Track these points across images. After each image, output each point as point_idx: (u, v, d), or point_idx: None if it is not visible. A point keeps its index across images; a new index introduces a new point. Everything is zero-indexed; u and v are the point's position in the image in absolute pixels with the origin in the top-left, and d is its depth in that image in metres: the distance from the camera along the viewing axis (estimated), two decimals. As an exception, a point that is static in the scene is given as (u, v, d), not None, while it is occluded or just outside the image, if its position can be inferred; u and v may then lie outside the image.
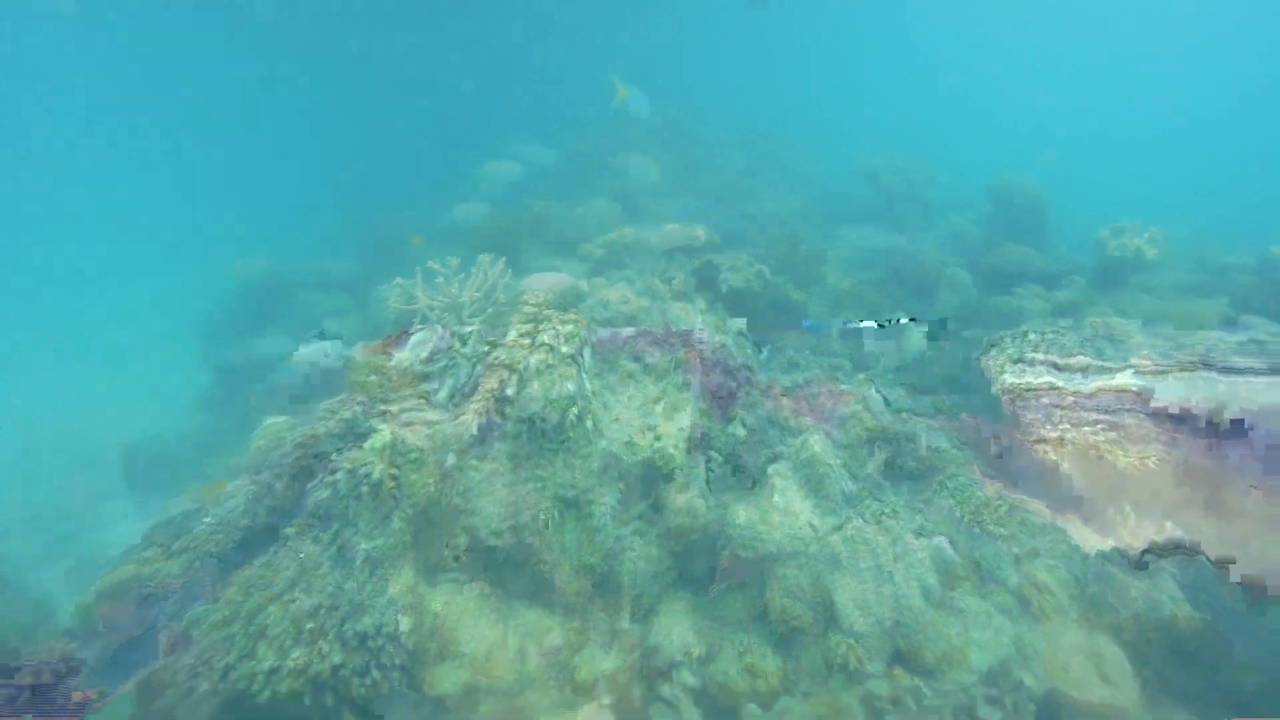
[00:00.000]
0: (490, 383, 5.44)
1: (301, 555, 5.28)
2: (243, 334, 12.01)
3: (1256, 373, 5.55)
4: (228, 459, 9.91)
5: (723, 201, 13.79)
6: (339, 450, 5.55)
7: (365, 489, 5.36)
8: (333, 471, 5.41)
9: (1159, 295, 7.51)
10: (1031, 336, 6.46)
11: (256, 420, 9.77)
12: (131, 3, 25.17)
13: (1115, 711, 4.09)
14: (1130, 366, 6.03)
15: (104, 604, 6.42)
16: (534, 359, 5.35)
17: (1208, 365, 5.77)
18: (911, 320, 7.73)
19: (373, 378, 5.85)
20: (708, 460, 6.01)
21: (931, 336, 8.14)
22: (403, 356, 6.08)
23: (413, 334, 6.13)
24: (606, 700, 4.91)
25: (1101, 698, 4.14)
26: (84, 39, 27.97)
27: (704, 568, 5.83)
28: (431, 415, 5.84)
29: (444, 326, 6.16)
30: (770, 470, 5.99)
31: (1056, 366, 6.28)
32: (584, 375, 5.98)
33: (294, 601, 4.86)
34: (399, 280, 6.60)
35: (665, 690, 4.89)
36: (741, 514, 5.55)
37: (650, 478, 5.93)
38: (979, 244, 10.61)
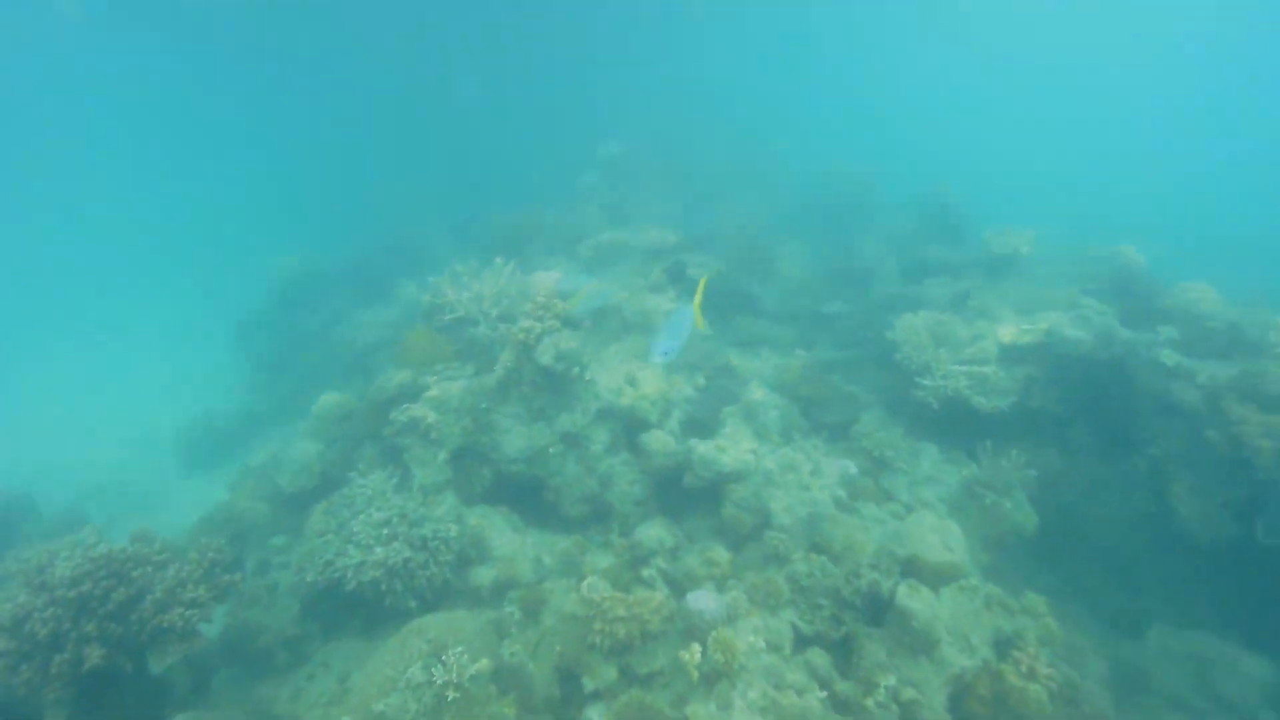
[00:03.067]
0: (512, 345, 7.21)
1: (370, 488, 7.02)
2: (275, 325, 13.63)
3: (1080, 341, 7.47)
4: (276, 431, 11.59)
5: (697, 208, 15.63)
6: (398, 405, 7.31)
7: (421, 431, 7.12)
8: (394, 421, 7.18)
9: (1031, 283, 9.45)
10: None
11: (299, 400, 11.45)
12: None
13: (952, 566, 5.96)
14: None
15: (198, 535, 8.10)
16: (545, 328, 7.12)
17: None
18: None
19: (420, 352, 7.61)
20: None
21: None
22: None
23: (447, 319, 7.88)
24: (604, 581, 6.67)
25: (943, 558, 6.01)
26: (108, 43, 29.03)
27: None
28: (468, 372, 7.63)
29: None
30: (724, 412, 7.84)
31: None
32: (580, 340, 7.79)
33: (372, 515, 6.58)
34: (431, 278, 8.33)
35: (645, 573, 6.68)
36: (700, 447, 7.34)
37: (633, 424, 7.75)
38: (908, 240, 12.55)
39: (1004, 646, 5.68)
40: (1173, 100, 39.64)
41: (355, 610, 6.69)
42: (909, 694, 5.16)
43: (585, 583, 6.12)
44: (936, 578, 5.89)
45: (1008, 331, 8.08)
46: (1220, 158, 32.61)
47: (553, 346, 6.99)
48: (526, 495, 7.63)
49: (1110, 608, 7.34)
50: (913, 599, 5.50)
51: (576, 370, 7.18)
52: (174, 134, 36.77)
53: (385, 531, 6.45)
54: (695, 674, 5.33)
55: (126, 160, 37.35)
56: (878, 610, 5.91)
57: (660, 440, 7.59)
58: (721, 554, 6.83)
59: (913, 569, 6.01)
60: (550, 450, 7.29)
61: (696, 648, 5.48)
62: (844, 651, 5.76)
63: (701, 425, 7.99)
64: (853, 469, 7.31)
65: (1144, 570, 7.37)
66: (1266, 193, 25.81)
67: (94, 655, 4.66)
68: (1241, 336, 7.72)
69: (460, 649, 5.59)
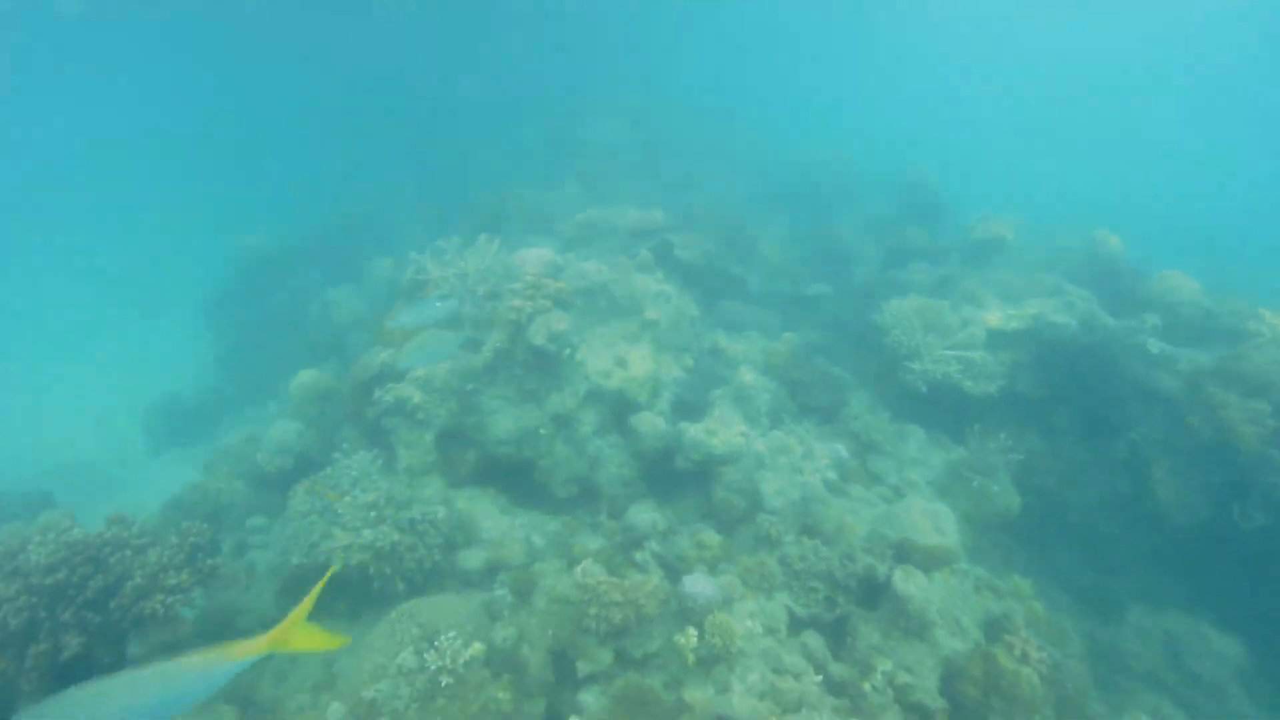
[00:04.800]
0: (503, 324, 7.04)
1: (355, 468, 6.83)
2: (241, 303, 13.19)
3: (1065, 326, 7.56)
4: (246, 411, 11.25)
5: (678, 189, 15.50)
6: (382, 385, 7.09)
7: (407, 411, 6.93)
8: (379, 402, 6.97)
9: (1014, 269, 9.56)
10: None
11: (269, 379, 11.13)
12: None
13: (944, 550, 6.03)
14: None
15: (172, 519, 7.82)
16: (538, 307, 6.95)
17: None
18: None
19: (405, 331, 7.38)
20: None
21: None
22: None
23: (434, 297, 7.65)
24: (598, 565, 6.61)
25: (935, 542, 6.08)
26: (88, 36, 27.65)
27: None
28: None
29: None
30: (713, 395, 7.80)
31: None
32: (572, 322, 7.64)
33: (358, 497, 6.40)
34: (413, 254, 8.07)
35: (638, 556, 6.63)
36: (691, 429, 7.28)
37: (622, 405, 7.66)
38: (888, 225, 12.60)
39: (993, 629, 5.77)
40: (1147, 92, 40.51)
41: (341, 593, 6.53)
42: (904, 678, 5.21)
43: (580, 567, 6.04)
44: (929, 561, 5.95)
45: (994, 317, 8.15)
46: (1192, 149, 33.40)
47: (545, 327, 6.84)
48: (515, 477, 7.51)
49: (1089, 587, 7.54)
50: (908, 583, 5.54)
51: (567, 351, 7.05)
52: (135, 109, 35.22)
53: (373, 514, 6.28)
54: (691, 657, 5.32)
55: (83, 136, 35.79)
56: (872, 593, 5.96)
57: (650, 422, 7.52)
58: (713, 537, 6.81)
59: (906, 552, 6.06)
60: (541, 431, 7.16)
61: (692, 631, 5.47)
62: (838, 634, 5.80)
63: (691, 407, 7.94)
64: (844, 452, 7.34)
65: (1122, 552, 7.57)
66: (1237, 184, 26.60)
67: (72, 644, 4.46)
68: (1218, 324, 7.91)
69: (452, 633, 5.49)
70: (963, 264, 9.89)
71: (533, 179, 14.39)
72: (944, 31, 41.31)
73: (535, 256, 8.60)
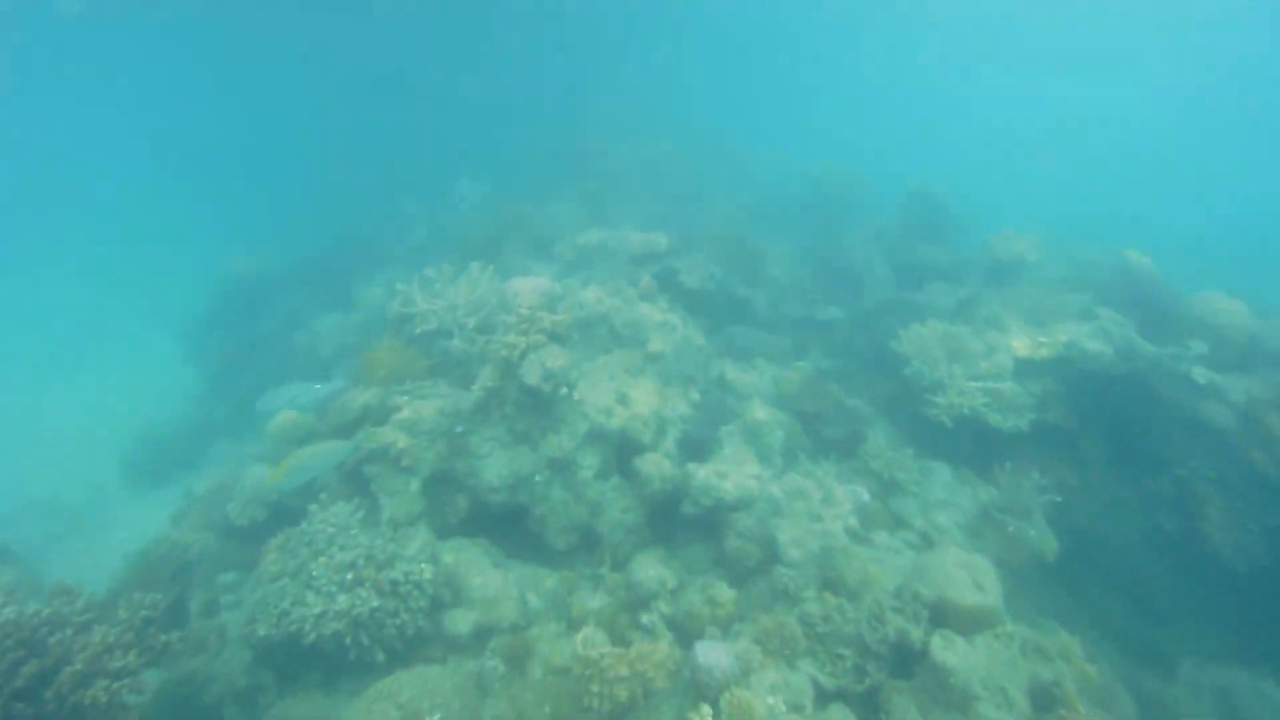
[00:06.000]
0: (494, 362, 6.47)
1: (332, 523, 6.24)
2: (227, 328, 12.63)
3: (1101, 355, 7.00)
4: (229, 446, 10.65)
5: (680, 203, 15.01)
6: (363, 429, 6.51)
7: (390, 458, 6.34)
8: (360, 447, 6.38)
9: (1038, 288, 9.02)
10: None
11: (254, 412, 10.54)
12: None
13: (986, 611, 5.43)
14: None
15: (135, 576, 7.21)
16: (531, 343, 6.38)
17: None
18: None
19: (387, 367, 6.82)
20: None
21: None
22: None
23: (418, 330, 7.10)
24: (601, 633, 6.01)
25: (976, 600, 5.48)
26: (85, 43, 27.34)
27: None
28: (443, 390, 6.86)
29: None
30: (723, 431, 7.23)
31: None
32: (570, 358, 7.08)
33: (334, 557, 5.81)
34: (399, 285, 7.52)
35: (645, 618, 6.03)
36: (699, 472, 6.70)
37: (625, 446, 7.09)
38: (898, 241, 12.07)
39: (1043, 698, 5.16)
40: (1161, 104, 40.22)
41: (314, 662, 5.93)
42: (949, 762, 4.61)
43: (581, 635, 5.45)
44: (969, 623, 5.35)
45: (1022, 344, 7.59)
46: (1215, 160, 32.79)
47: (539, 364, 6.27)
48: (508, 525, 6.92)
49: (1135, 637, 6.92)
50: (948, 651, 4.95)
51: (564, 390, 6.48)
52: (131, 111, 34.75)
53: (349, 576, 5.70)
54: (707, 742, 4.72)
55: (77, 140, 35.39)
56: (905, 659, 5.35)
57: (655, 464, 6.94)
58: (725, 592, 6.22)
59: (943, 613, 5.45)
60: (536, 478, 6.58)
61: (706, 710, 4.87)
62: (869, 707, 5.20)
63: (699, 445, 7.36)
64: (865, 495, 6.75)
65: (1169, 597, 6.96)
66: (1265, 197, 26.08)
67: (-9, 749, 3.85)
68: (1263, 348, 7.35)
69: (437, 717, 4.91)
70: (983, 284, 9.33)
71: (532, 196, 13.91)
72: (944, 41, 41.11)
73: (531, 286, 8.06)
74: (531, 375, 6.23)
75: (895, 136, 30.72)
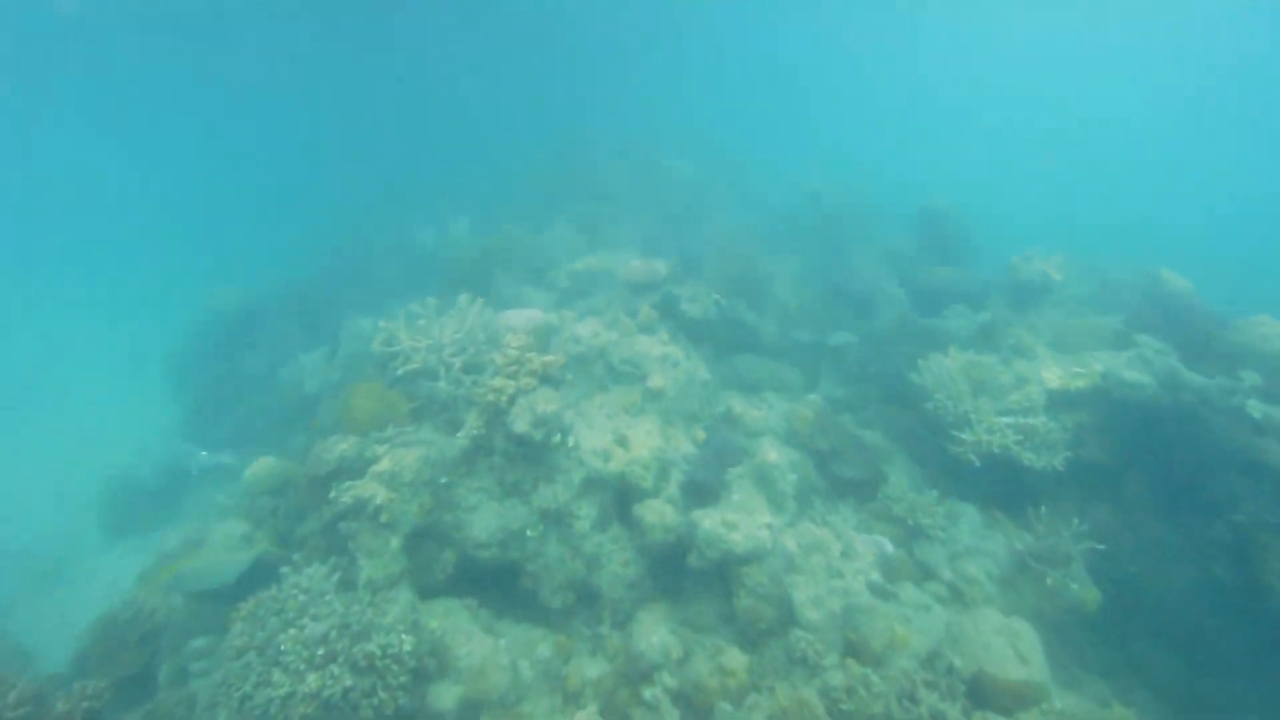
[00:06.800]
0: (481, 408, 5.94)
1: (305, 588, 5.69)
2: (210, 363, 12.14)
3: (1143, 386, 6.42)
4: (211, 490, 10.13)
5: (680, 221, 14.50)
6: (340, 481, 5.97)
7: (368, 514, 5.80)
8: (335, 502, 5.84)
9: (1065, 310, 8.47)
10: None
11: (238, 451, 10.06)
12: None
13: (1032, 687, 4.84)
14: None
15: (99, 642, 6.68)
16: (520, 386, 5.86)
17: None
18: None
19: (367, 413, 6.29)
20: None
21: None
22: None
23: (400, 372, 6.59)
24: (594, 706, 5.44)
25: (1019, 675, 4.88)
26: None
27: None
28: (427, 436, 6.33)
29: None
30: (731, 474, 6.67)
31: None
32: (564, 401, 6.54)
33: (305, 629, 5.26)
34: (381, 323, 7.02)
35: (648, 692, 5.45)
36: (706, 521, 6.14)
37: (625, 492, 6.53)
38: (911, 260, 11.51)
39: (1099, 787, 4.56)
40: (1161, 104, 39.67)
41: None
42: None
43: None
44: (1013, 701, 4.76)
45: (1054, 375, 7.02)
46: (1238, 171, 31.84)
47: (528, 410, 5.74)
48: (499, 582, 6.36)
49: (1189, 696, 6.27)
50: (993, 741, 4.35)
51: (558, 438, 5.93)
52: (129, 112, 34.29)
53: (321, 651, 5.14)
54: None
55: (73, 141, 35.02)
56: (941, 744, 4.76)
57: (657, 512, 6.39)
58: (737, 658, 5.64)
59: (982, 690, 4.86)
60: (529, 534, 6.03)
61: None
62: (903, 801, 4.60)
63: (705, 490, 6.78)
64: (889, 546, 6.17)
65: (1227, 653, 6.31)
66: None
67: None
68: (1316, 377, 6.74)
69: (414, 823, 4.34)
70: (1005, 307, 8.76)
71: (528, 216, 13.45)
72: (943, 42, 40.63)
73: (523, 319, 7.54)
74: (520, 423, 5.69)
75: (896, 143, 30.31)
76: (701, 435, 7.37)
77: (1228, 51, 34.07)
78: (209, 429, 10.67)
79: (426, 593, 6.21)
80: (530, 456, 6.06)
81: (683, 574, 6.48)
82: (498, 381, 5.81)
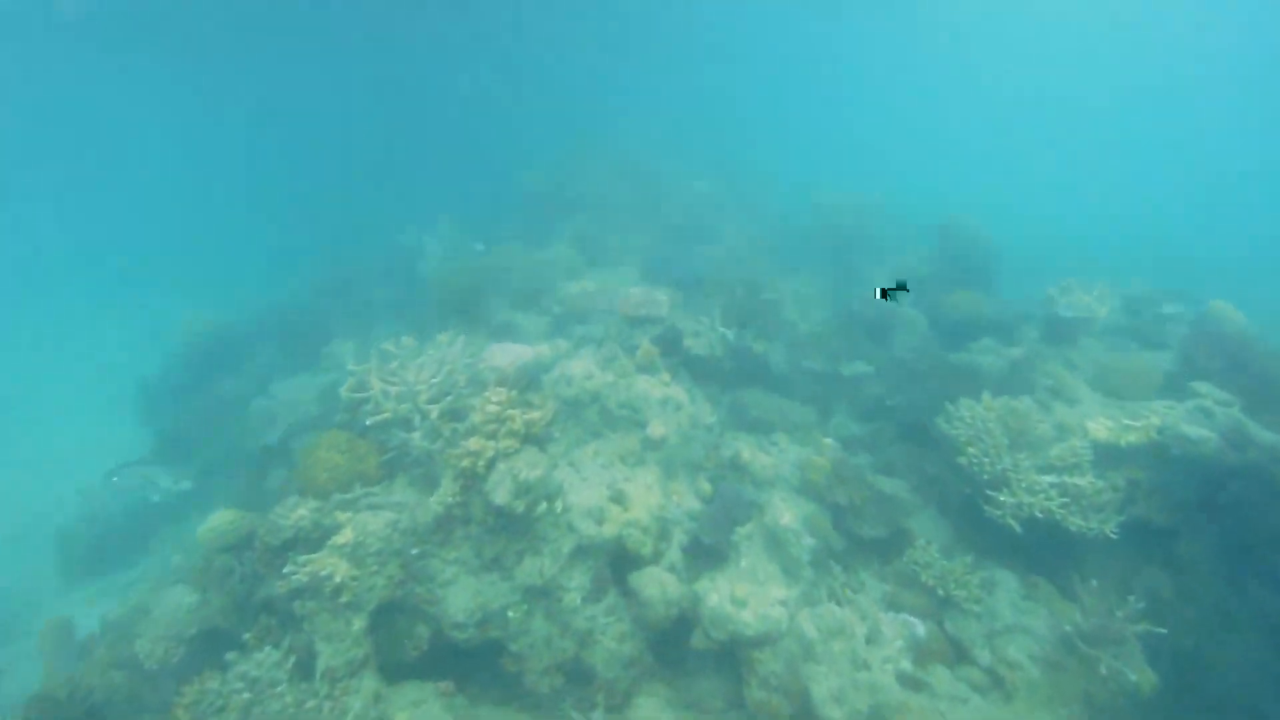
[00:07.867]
0: (456, 473, 5.23)
1: (252, 677, 5.00)
2: (183, 392, 11.44)
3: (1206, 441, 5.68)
4: (179, 530, 9.44)
5: (685, 236, 13.78)
6: (295, 553, 5.27)
7: (326, 593, 5.09)
8: (289, 578, 5.12)
9: (1103, 343, 7.72)
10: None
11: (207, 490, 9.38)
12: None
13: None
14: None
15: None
16: (500, 449, 5.15)
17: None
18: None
19: (331, 468, 5.59)
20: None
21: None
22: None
23: (370, 422, 5.88)
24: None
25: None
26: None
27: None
28: (398, 497, 5.62)
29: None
30: (739, 534, 5.96)
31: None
32: (553, 455, 5.84)
33: (249, 733, 4.57)
34: (352, 365, 6.31)
35: (644, 802, 4.73)
36: (712, 596, 5.43)
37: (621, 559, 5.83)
38: (930, 283, 10.77)
39: None
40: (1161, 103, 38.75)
41: None
42: None
43: None
44: (1076, 839, 4.02)
45: (1101, 426, 6.28)
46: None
47: (509, 477, 5.02)
48: (478, 663, 5.66)
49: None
50: None
51: (543, 506, 5.22)
52: (127, 117, 33.69)
53: (266, 763, 4.44)
54: None
55: (70, 146, 34.49)
56: None
57: (658, 582, 5.69)
58: (750, 759, 4.93)
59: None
60: (510, 614, 5.32)
61: None
62: None
63: (710, 553, 6.06)
64: (920, 628, 5.44)
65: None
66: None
67: None
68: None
69: None
70: (1040, 341, 8.00)
71: (523, 234, 12.74)
72: (942, 45, 39.81)
73: (509, 357, 6.83)
74: (500, 493, 4.98)
75: (909, 153, 29.47)
76: (706, 486, 6.65)
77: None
78: (179, 463, 9.97)
79: (395, 674, 5.50)
80: (512, 528, 5.35)
81: (686, 648, 5.78)
82: (474, 443, 5.10)
